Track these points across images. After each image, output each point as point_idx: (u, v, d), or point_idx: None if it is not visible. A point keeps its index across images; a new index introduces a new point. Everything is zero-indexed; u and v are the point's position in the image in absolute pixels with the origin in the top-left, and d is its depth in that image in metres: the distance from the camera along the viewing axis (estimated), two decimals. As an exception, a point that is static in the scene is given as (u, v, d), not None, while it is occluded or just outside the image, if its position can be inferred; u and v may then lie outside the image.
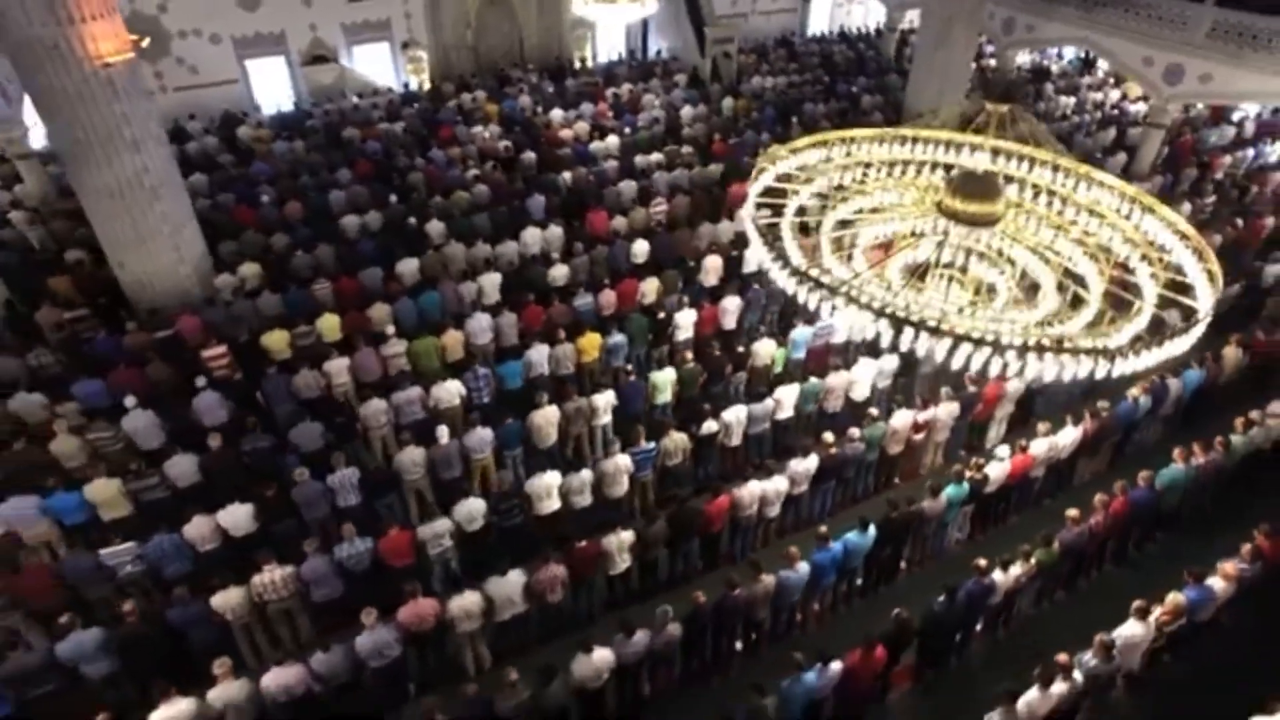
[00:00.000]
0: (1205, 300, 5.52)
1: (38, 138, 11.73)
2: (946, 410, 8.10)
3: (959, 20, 14.01)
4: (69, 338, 9.30)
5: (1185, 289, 5.79)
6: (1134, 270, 6.04)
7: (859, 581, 7.24)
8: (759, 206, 6.51)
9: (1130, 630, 5.74)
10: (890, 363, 8.60)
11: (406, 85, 16.82)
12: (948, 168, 6.34)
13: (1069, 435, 7.79)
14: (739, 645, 6.66)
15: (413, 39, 16.87)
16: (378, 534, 6.68)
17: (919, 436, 8.09)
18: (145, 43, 9.21)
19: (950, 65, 14.36)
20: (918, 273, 6.37)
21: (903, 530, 7.06)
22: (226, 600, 6.27)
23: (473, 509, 6.96)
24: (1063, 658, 5.37)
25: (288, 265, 10.53)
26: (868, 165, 6.53)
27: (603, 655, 5.70)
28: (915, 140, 6.30)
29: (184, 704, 5.23)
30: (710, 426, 7.96)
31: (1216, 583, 6.16)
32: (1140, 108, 16.06)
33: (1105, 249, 6.10)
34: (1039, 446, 7.63)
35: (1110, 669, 5.59)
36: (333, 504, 7.33)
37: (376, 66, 16.89)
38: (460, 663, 6.42)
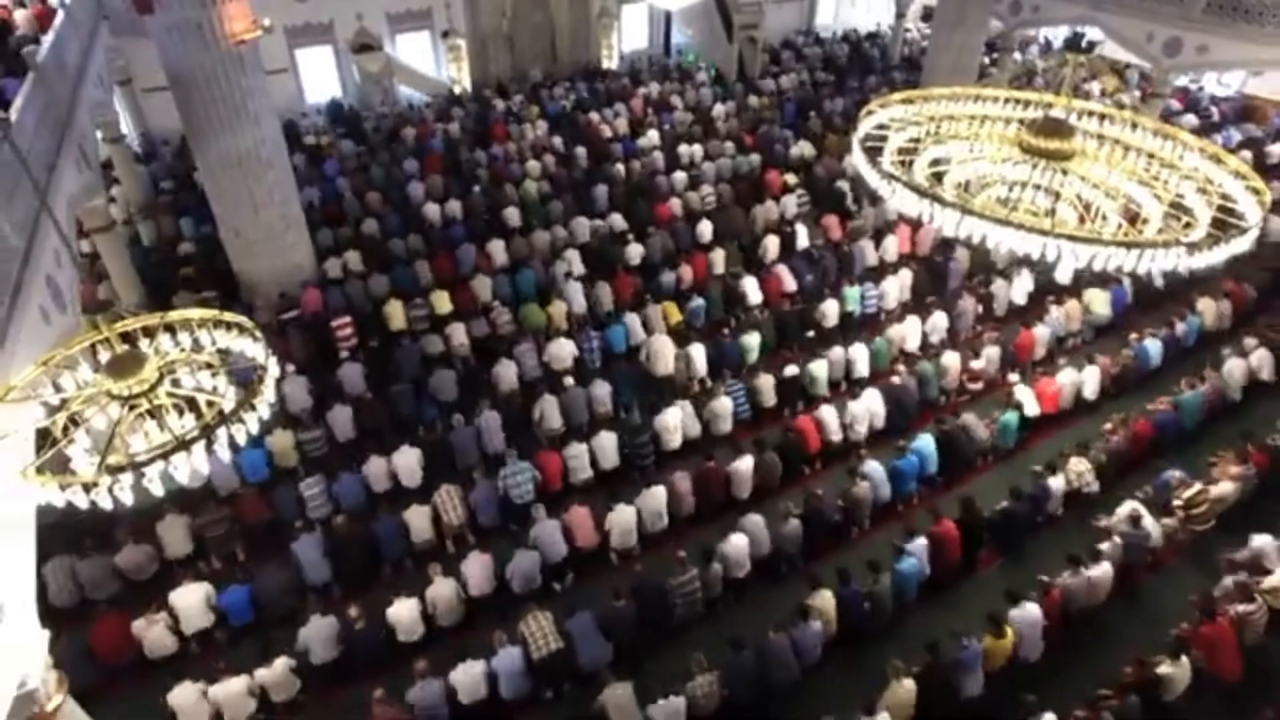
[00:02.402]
0: (1253, 214, 6.59)
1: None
2: (988, 356, 9.29)
3: (973, 2, 15.16)
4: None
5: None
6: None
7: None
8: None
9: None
10: (941, 320, 9.92)
11: (451, 91, 17.62)
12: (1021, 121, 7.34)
13: (1091, 373, 9.03)
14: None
15: (452, 28, 17.60)
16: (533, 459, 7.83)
17: (975, 385, 9.29)
18: (268, 23, 9.92)
19: (965, 47, 15.49)
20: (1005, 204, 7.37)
21: (954, 442, 8.16)
22: (411, 516, 7.28)
23: (605, 442, 8.05)
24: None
25: (383, 250, 11.48)
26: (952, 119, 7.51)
27: (740, 540, 6.90)
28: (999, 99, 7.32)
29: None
30: (791, 370, 9.08)
31: (1225, 485, 7.49)
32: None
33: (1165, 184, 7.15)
34: (1065, 376, 8.93)
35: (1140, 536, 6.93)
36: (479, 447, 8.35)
37: (418, 54, 17.62)
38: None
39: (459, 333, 9.70)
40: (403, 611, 6.50)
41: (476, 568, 6.82)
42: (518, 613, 6.42)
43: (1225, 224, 6.98)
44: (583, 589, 7.16)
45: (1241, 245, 6.43)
